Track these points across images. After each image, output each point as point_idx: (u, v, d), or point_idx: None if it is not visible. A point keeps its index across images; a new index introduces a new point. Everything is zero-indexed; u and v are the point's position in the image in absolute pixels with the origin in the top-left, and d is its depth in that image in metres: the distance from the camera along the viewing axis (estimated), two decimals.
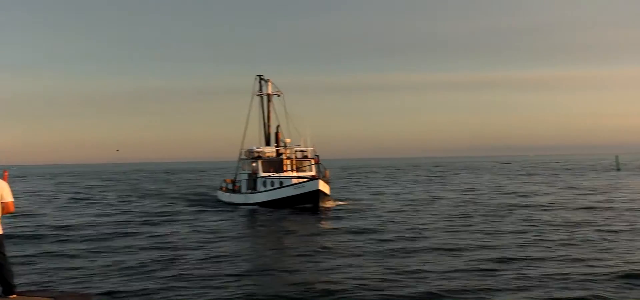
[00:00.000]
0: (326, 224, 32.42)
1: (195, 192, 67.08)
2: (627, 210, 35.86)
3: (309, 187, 41.00)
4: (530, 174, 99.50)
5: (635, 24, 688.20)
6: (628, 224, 29.29)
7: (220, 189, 52.51)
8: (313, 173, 45.68)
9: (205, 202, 50.88)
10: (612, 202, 41.65)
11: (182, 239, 27.35)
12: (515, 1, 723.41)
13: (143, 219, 36.93)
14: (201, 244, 25.37)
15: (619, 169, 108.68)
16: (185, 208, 44.47)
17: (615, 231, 26.82)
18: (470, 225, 29.79)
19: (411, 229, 29.12)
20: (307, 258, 21.53)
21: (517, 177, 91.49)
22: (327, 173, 43.08)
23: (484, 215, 34.35)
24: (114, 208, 45.59)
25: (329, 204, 42.55)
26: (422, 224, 30.66)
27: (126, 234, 29.16)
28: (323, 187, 41.37)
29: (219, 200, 50.37)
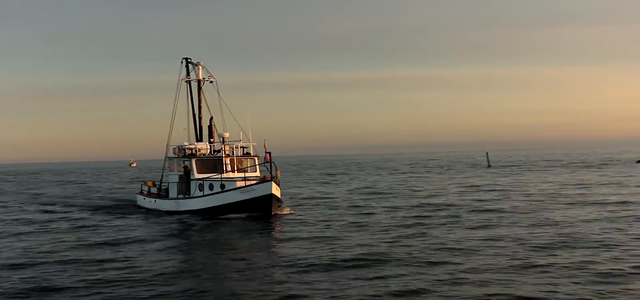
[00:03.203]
0: (283, 238, 25.68)
1: (105, 195, 57.63)
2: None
3: (259, 191, 34.07)
4: (401, 172, 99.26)
5: (510, 25, 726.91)
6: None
7: (140, 192, 44.09)
8: (257, 173, 38.73)
9: (122, 207, 42.50)
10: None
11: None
12: (404, 1, 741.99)
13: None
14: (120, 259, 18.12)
15: (489, 166, 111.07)
16: (96, 215, 36.18)
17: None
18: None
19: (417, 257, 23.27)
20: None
21: (395, 174, 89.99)
22: (278, 174, 36.09)
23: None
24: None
25: (282, 210, 35.91)
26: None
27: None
28: (276, 190, 34.61)
29: (140, 207, 42.06)
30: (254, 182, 35.05)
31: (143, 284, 17.13)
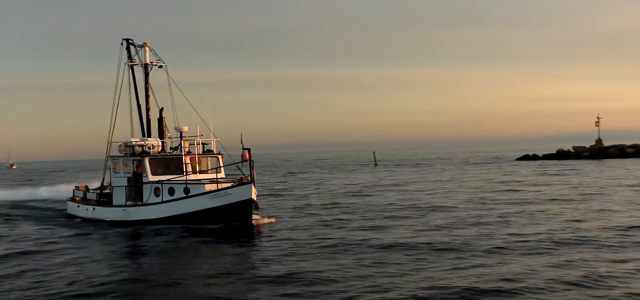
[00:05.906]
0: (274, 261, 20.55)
1: (16, 202, 48.16)
2: None
3: (236, 196, 28.30)
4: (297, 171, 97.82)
5: (392, 26, 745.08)
6: None
7: (72, 198, 36.60)
8: (222, 174, 32.82)
9: (49, 217, 35.08)
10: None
11: None
12: (298, 1, 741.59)
13: None
14: None
15: (376, 164, 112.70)
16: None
17: None
18: None
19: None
20: None
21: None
22: (254, 174, 30.37)
23: None
24: None
25: (261, 219, 30.41)
26: None
27: None
28: (255, 195, 29.10)
29: (72, 216, 34.72)
30: (229, 184, 29.37)
31: None
